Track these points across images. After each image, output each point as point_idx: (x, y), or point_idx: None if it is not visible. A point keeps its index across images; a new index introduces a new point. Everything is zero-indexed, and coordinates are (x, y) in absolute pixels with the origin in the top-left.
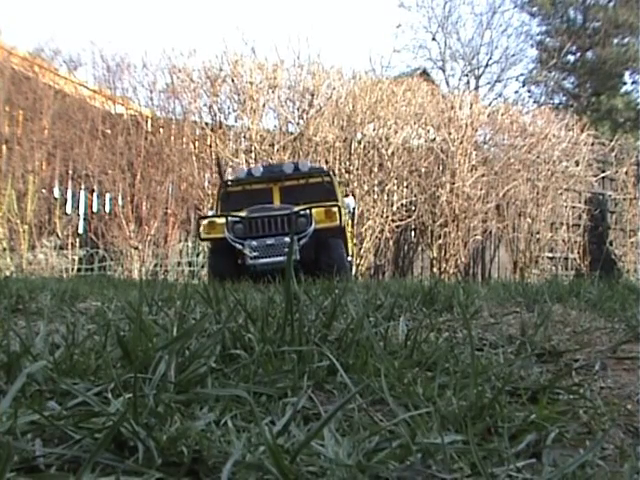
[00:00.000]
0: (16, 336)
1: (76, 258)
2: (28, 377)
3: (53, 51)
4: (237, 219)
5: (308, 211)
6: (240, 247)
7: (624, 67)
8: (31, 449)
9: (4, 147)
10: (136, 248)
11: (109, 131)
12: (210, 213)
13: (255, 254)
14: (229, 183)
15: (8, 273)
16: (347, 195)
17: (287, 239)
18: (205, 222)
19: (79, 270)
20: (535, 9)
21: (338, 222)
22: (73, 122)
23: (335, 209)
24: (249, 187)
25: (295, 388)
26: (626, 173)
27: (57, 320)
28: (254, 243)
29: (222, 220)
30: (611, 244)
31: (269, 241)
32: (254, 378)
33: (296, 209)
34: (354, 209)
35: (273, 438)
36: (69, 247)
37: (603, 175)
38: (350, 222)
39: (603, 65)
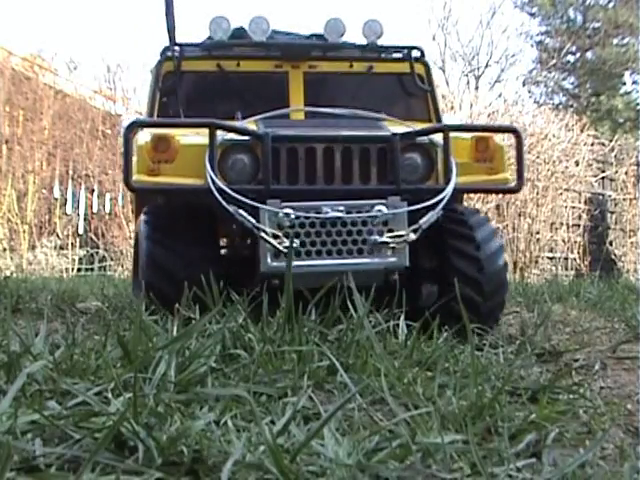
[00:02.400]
0: (16, 336)
1: (76, 258)
2: (28, 377)
3: (53, 51)
4: (241, 139)
5: (436, 137)
6: (249, 220)
7: (624, 67)
8: (31, 449)
9: (4, 147)
10: None
11: (109, 131)
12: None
13: (290, 243)
14: (186, 53)
15: (8, 273)
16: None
17: (380, 208)
18: (148, 139)
19: (79, 270)
20: (535, 9)
21: (514, 177)
22: (73, 122)
23: (497, 139)
24: (234, 69)
25: (295, 388)
26: (626, 173)
27: (57, 320)
28: (289, 213)
29: (198, 137)
30: (611, 244)
31: (328, 209)
32: (254, 378)
33: (402, 130)
34: None
35: (273, 438)
36: (69, 247)
37: (603, 175)
38: None
39: (603, 65)
